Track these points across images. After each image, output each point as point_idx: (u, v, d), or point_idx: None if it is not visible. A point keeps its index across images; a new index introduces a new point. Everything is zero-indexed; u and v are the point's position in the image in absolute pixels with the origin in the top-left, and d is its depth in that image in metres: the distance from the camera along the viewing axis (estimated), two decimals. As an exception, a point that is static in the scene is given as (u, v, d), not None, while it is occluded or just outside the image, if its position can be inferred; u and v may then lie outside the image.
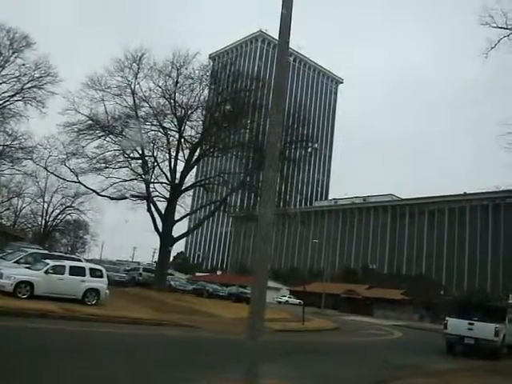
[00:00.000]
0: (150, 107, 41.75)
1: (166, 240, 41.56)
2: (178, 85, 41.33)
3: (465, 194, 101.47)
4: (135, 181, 42.27)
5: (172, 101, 41.56)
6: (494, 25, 21.01)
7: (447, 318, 21.82)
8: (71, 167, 40.53)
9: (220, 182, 45.01)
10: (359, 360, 16.76)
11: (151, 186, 42.02)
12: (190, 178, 44.86)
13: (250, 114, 43.72)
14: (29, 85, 41.71)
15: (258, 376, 6.55)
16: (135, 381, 9.14)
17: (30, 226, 68.38)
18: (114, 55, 40.86)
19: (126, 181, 41.72)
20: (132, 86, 40.79)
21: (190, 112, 42.27)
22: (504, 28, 20.90)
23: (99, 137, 40.04)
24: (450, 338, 21.37)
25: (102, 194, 42.04)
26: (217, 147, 44.14)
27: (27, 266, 20.79)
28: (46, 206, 62.32)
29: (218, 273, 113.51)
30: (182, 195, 43.27)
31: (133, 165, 41.88)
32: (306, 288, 53.40)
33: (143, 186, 41.84)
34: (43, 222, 63.80)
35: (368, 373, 13.69)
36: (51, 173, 45.10)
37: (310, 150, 47.62)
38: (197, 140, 42.88)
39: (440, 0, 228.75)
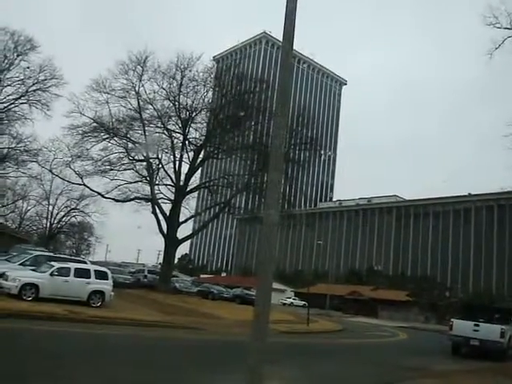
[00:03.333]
0: (155, 109, 41.90)
1: (171, 242, 41.59)
2: (183, 87, 41.46)
3: (470, 195, 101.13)
4: (140, 183, 42.49)
5: (176, 103, 41.66)
6: (499, 25, 21.03)
7: (452, 320, 21.76)
8: (76, 169, 40.78)
9: (224, 184, 45.04)
10: (364, 361, 16.72)
11: (156, 188, 42.14)
12: (195, 180, 45.00)
13: (254, 116, 43.72)
14: (33, 87, 41.85)
15: (263, 378, 6.54)
16: (137, 383, 9.15)
17: (35, 228, 68.51)
18: (119, 58, 41.02)
19: (130, 183, 41.94)
20: (136, 89, 40.99)
21: (194, 114, 42.36)
22: (508, 28, 20.90)
23: (104, 139, 40.22)
24: (455, 339, 21.29)
25: (107, 196, 42.24)
26: (221, 149, 44.18)
27: (32, 268, 20.84)
28: (50, 208, 62.46)
29: (223, 275, 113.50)
30: (187, 197, 43.36)
31: (137, 167, 42.07)
32: (311, 289, 53.35)
33: (148, 188, 41.93)
34: (48, 224, 63.93)
35: (373, 374, 13.66)
36: (56, 175, 45.34)
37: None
38: (201, 142, 42.97)
39: (442, 1, 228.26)
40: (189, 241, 65.24)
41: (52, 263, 20.64)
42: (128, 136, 41.02)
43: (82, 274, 20.51)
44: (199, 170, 46.61)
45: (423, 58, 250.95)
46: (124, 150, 41.07)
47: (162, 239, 41.93)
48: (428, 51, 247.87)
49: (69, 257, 30.62)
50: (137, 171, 41.93)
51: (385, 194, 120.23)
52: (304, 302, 68.92)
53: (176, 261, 78.63)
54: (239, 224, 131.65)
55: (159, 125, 42.08)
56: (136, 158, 41.73)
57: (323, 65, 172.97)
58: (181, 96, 41.66)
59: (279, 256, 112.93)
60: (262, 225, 6.92)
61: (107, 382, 8.69)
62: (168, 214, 41.66)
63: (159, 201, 42.12)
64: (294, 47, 7.49)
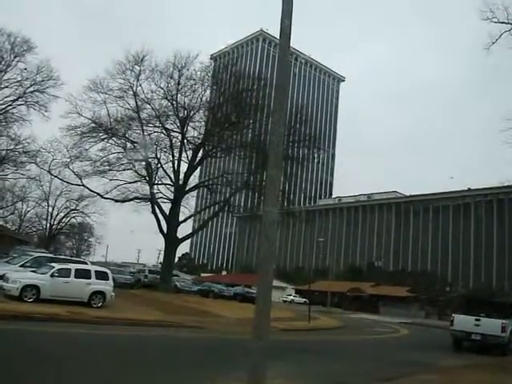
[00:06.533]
0: (153, 109, 41.87)
1: (171, 241, 41.59)
2: (180, 86, 41.41)
3: (469, 190, 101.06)
4: (139, 183, 42.42)
5: (174, 102, 41.62)
6: (495, 20, 21.06)
7: (453, 315, 21.76)
8: (75, 170, 40.73)
9: (223, 183, 45.03)
10: (366, 358, 16.73)
11: (155, 187, 42.10)
12: (194, 179, 44.99)
13: (253, 114, 43.68)
14: (31, 89, 41.84)
15: (265, 376, 6.55)
16: (139, 381, 9.16)
17: (34, 229, 68.60)
18: (116, 58, 40.92)
19: (129, 183, 41.88)
20: (134, 88, 40.93)
21: (192, 113, 42.33)
22: (505, 23, 20.91)
23: (102, 139, 40.16)
24: (456, 334, 21.31)
25: (106, 196, 42.19)
26: (220, 148, 44.16)
27: (33, 269, 20.83)
28: (50, 209, 62.54)
29: (223, 273, 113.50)
30: (186, 196, 43.35)
31: (136, 167, 41.98)
32: (312, 287, 53.37)
33: (147, 187, 41.91)
34: (48, 225, 63.99)
35: (375, 370, 13.66)
36: (55, 176, 45.26)
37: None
38: (199, 141, 42.93)
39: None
40: (189, 240, 65.25)
41: (52, 264, 20.64)
42: (126, 136, 41.01)
43: (83, 274, 20.48)
44: (198, 169, 46.58)
45: (422, 53, 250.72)
46: (123, 150, 41.06)
47: (162, 239, 41.95)
48: (427, 47, 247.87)
49: (69, 258, 30.64)
50: (136, 171, 41.90)
51: (384, 191, 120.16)
52: (305, 300, 69.00)
53: (176, 260, 78.65)
54: (239, 222, 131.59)
55: (157, 124, 42.09)
56: (135, 157, 41.71)
57: (321, 62, 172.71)
58: (178, 95, 41.68)
59: (279, 253, 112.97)
60: (262, 222, 6.92)
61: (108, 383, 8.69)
62: (168, 213, 41.63)
63: (159, 200, 42.11)
64: (292, 44, 7.49)
